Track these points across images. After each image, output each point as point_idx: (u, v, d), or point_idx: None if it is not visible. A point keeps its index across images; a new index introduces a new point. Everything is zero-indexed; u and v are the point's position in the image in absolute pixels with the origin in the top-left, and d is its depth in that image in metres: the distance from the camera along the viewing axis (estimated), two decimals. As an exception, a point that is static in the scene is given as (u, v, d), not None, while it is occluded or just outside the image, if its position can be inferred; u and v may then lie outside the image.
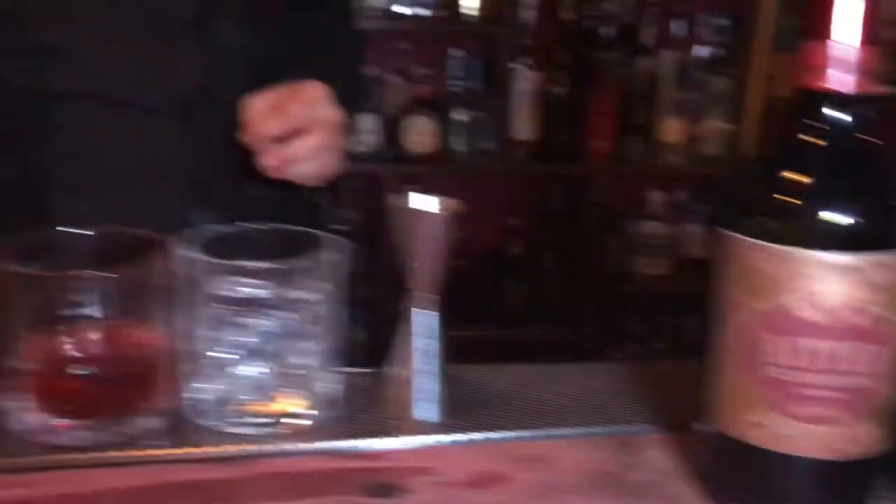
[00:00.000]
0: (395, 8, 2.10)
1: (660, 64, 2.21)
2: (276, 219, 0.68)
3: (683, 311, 2.41)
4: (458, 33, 2.18)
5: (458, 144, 2.14)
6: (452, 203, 0.58)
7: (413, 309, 0.59)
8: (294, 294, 0.57)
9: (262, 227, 0.60)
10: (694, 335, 2.42)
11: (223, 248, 0.57)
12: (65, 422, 0.55)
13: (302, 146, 0.76)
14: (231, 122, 0.76)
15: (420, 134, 2.10)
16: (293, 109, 0.77)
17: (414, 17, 2.11)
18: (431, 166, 2.12)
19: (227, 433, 0.57)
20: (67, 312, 0.54)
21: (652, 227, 2.32)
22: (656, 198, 2.33)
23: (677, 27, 2.23)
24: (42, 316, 0.54)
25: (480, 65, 2.16)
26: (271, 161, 0.76)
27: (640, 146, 2.24)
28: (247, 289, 0.56)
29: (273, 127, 0.76)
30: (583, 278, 2.26)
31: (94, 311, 0.54)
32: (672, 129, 2.24)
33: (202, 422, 0.57)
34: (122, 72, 0.78)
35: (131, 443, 0.55)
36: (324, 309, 0.58)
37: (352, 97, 0.88)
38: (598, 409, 0.62)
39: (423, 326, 0.59)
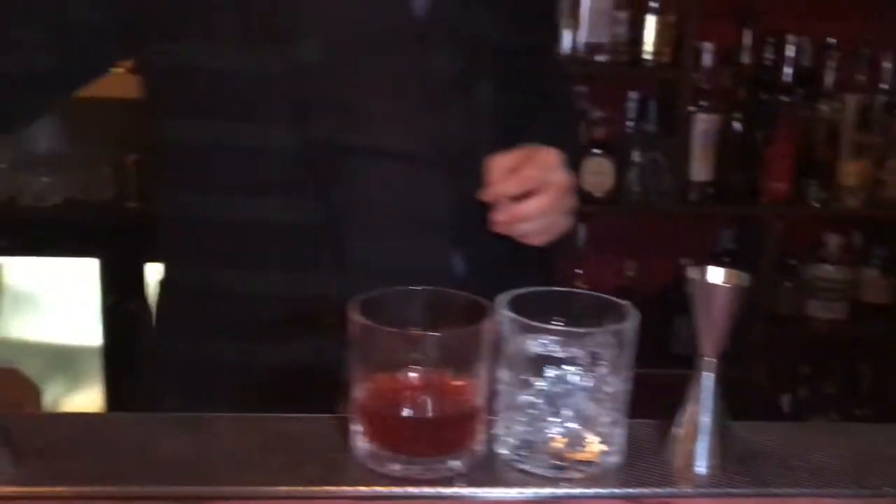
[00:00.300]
0: (576, 54, 2.17)
1: (840, 107, 2.19)
2: (517, 268, 0.75)
3: (858, 356, 2.36)
4: (637, 76, 2.23)
5: (634, 185, 2.19)
6: (738, 276, 0.64)
7: (702, 371, 0.65)
8: (594, 352, 0.64)
9: (562, 290, 0.67)
10: (869, 381, 2.37)
11: (533, 308, 0.64)
12: (394, 455, 0.63)
13: (531, 206, 0.85)
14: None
15: (597, 174, 2.16)
16: (529, 172, 0.86)
17: (594, 61, 2.17)
18: (607, 206, 2.17)
19: (531, 475, 0.64)
20: (402, 360, 0.63)
21: (827, 271, 2.29)
22: (832, 241, 2.30)
23: (860, 69, 2.20)
24: (382, 361, 0.63)
25: (657, 107, 2.20)
26: (502, 217, 0.85)
27: (817, 188, 2.23)
28: (554, 347, 0.63)
29: (510, 188, 0.85)
30: (756, 320, 2.25)
31: (424, 360, 0.63)
32: (852, 172, 2.21)
33: (510, 464, 0.65)
34: (401, 127, 0.87)
35: (450, 480, 0.63)
36: (617, 366, 0.64)
37: (576, 153, 0.96)
38: (872, 469, 0.66)
39: (708, 388, 0.65)
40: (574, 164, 0.91)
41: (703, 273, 0.63)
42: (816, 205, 2.23)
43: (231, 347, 0.85)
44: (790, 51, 2.20)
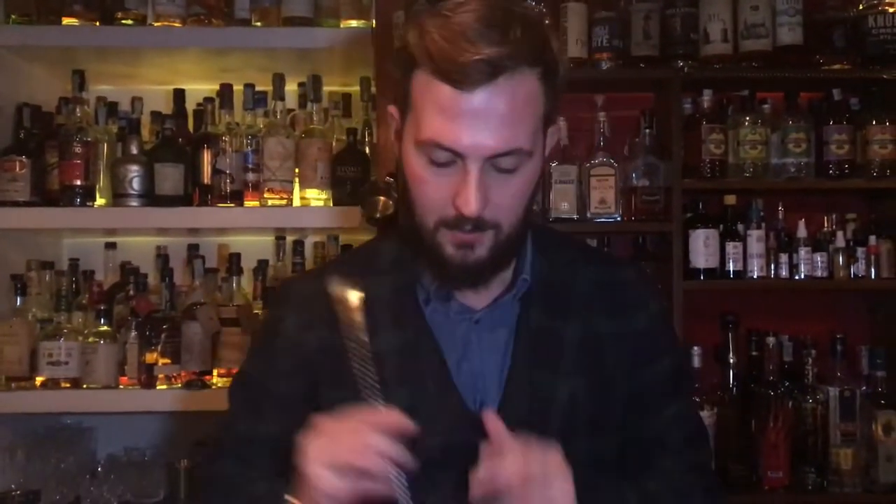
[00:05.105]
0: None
1: (824, 398, 2.39)
2: None
3: None
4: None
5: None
6: None
7: None
8: None
9: None
10: None
11: None
12: None
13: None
14: None
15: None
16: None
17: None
18: None
19: None
20: None
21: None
22: (837, 524, 2.41)
23: (837, 364, 2.42)
24: None
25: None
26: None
27: (814, 475, 2.37)
28: None
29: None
30: None
31: None
32: (844, 459, 2.37)
33: None
34: None
35: None
36: None
37: None
38: None
39: None
40: None
41: None
42: (814, 491, 2.36)
43: None
44: (772, 348, 2.44)
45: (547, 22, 1.14)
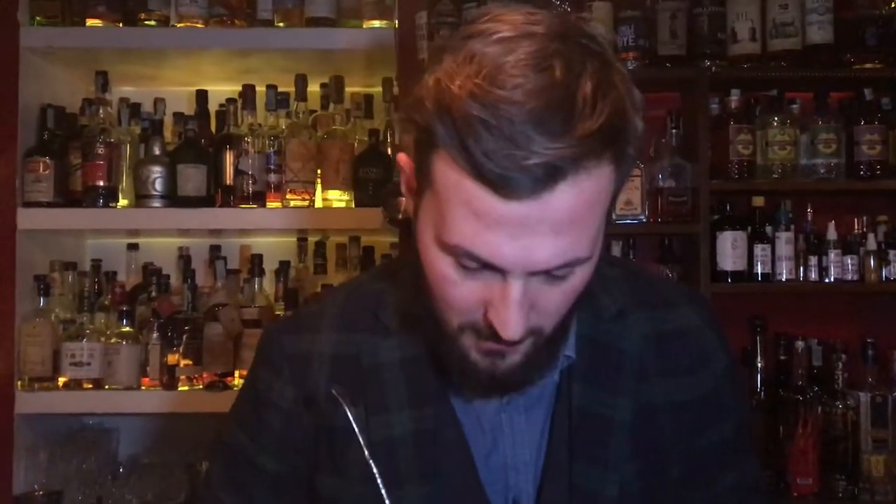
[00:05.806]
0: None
1: (854, 404, 2.34)
2: None
3: None
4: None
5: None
6: None
7: None
8: None
9: None
10: None
11: None
12: None
13: None
14: None
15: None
16: None
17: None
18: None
19: None
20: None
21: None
22: (868, 534, 2.36)
23: (868, 369, 2.37)
24: None
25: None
26: None
27: (845, 483, 2.32)
28: None
29: None
30: None
31: None
32: (875, 466, 2.32)
33: None
34: None
35: None
36: None
37: None
38: None
39: None
40: None
41: None
42: (845, 499, 2.31)
43: None
44: (801, 352, 2.39)
45: (616, 61, 0.83)
